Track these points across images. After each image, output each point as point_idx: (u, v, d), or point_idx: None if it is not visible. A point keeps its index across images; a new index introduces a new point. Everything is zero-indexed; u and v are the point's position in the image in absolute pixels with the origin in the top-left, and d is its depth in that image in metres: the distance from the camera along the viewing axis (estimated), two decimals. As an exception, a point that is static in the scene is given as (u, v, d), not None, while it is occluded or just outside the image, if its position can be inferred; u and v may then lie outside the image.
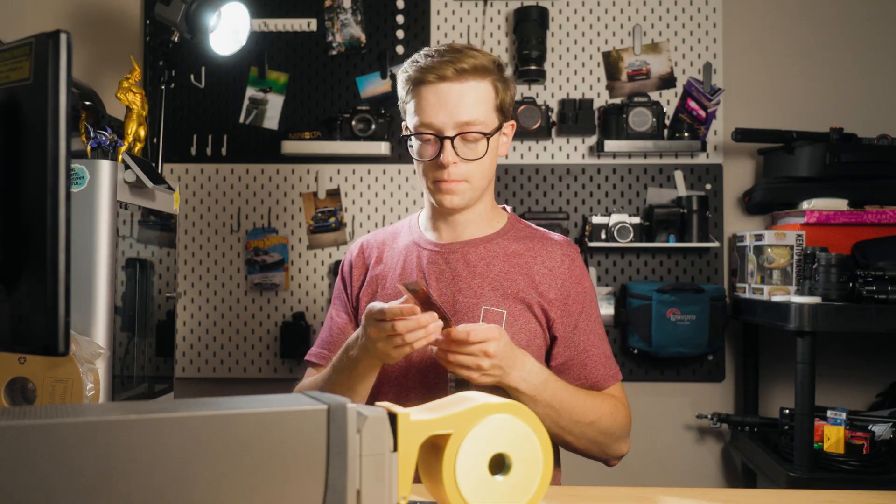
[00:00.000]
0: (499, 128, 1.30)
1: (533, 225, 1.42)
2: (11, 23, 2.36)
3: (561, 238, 1.38)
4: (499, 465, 0.81)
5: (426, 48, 1.31)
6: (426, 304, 1.08)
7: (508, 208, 1.43)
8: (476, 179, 1.28)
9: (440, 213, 1.34)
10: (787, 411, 1.99)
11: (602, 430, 1.25)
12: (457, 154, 1.25)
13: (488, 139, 1.26)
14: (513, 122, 1.36)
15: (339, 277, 1.46)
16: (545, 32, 2.33)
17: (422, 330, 1.08)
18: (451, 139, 1.24)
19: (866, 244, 2.02)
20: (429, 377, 1.29)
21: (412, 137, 1.29)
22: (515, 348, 1.16)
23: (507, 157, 2.37)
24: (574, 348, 1.31)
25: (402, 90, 1.31)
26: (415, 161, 1.31)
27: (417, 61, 1.26)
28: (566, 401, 1.20)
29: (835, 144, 2.14)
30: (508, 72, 1.34)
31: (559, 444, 1.28)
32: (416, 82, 1.26)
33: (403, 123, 1.35)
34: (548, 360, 1.32)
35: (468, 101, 1.24)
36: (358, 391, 1.24)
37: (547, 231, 1.40)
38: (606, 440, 1.27)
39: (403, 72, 1.29)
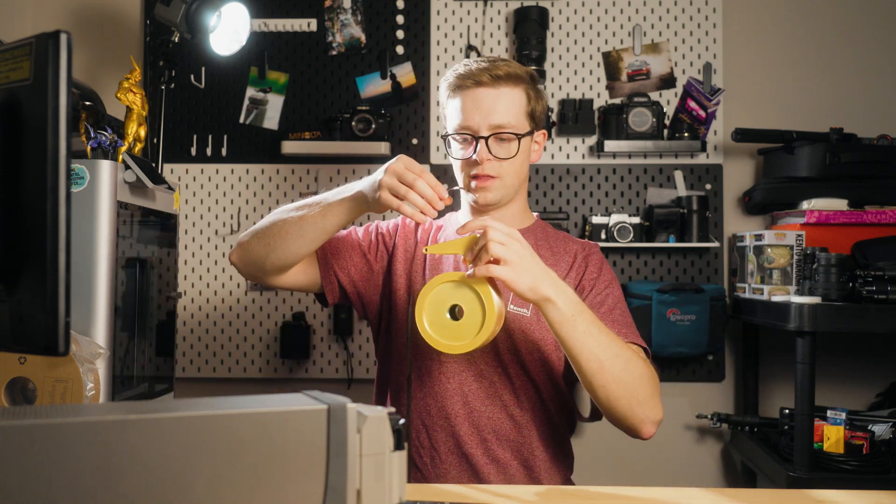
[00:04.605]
0: (530, 132, 1.38)
1: (555, 228, 1.50)
2: (11, 23, 2.36)
3: (582, 240, 1.46)
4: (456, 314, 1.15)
5: (465, 60, 1.42)
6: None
7: (535, 214, 1.51)
8: (508, 177, 1.36)
9: (475, 211, 1.41)
10: (787, 411, 1.99)
11: (636, 375, 1.18)
12: (490, 152, 1.33)
13: (520, 140, 1.34)
14: (544, 131, 1.44)
15: (376, 228, 1.47)
16: (545, 32, 2.33)
17: (430, 192, 1.18)
18: (486, 139, 1.33)
19: (866, 244, 2.02)
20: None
21: (450, 139, 1.38)
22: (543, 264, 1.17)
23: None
24: None
25: (443, 96, 1.41)
26: (452, 161, 1.40)
27: (458, 70, 1.37)
28: (604, 330, 1.17)
29: (835, 144, 2.14)
30: (541, 85, 1.40)
31: (595, 392, 1.19)
32: (456, 88, 1.36)
33: (443, 125, 1.43)
34: None
35: (501, 106, 1.33)
36: (307, 234, 1.29)
37: (569, 234, 1.49)
38: (638, 388, 1.18)
39: (445, 80, 1.40)
